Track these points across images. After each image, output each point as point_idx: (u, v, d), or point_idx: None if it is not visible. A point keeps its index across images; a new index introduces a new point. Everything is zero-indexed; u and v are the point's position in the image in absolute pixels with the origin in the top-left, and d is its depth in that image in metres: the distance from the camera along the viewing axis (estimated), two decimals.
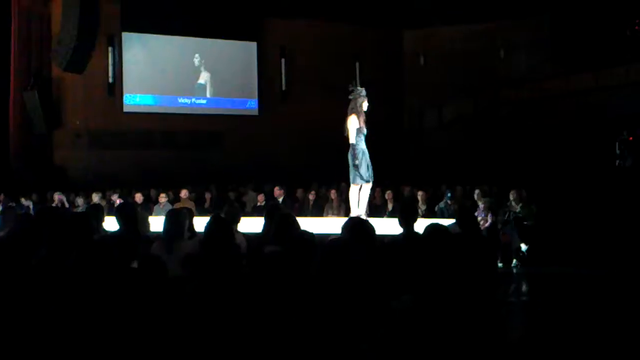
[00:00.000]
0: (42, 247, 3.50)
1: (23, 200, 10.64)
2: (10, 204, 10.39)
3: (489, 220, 8.47)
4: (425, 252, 3.55)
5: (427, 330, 2.59)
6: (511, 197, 9.03)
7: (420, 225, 4.41)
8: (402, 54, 16.31)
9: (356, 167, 6.93)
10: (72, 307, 2.59)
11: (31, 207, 10.27)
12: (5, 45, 13.39)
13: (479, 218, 7.99)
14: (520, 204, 8.89)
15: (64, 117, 13.75)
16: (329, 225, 7.10)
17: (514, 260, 8.47)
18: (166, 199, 10.32)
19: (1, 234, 4.48)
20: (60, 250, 3.27)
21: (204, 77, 14.70)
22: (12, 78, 13.48)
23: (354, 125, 6.91)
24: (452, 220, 5.54)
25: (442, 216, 8.42)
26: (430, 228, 3.73)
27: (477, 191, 9.50)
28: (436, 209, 9.21)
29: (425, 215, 8.36)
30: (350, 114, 6.99)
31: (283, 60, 15.20)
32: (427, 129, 15.67)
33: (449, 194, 9.47)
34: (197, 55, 14.55)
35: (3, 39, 13.37)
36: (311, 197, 10.53)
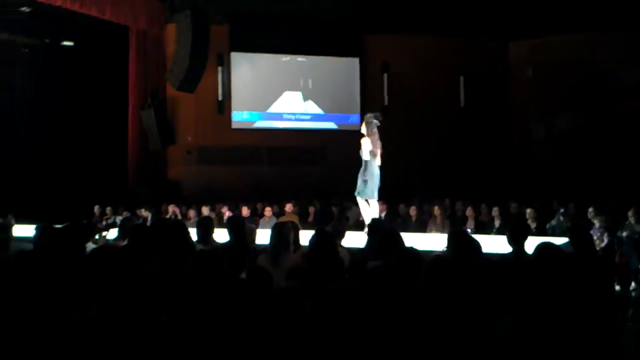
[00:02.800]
0: (156, 257, 3.69)
1: (142, 211, 11.30)
2: (127, 215, 11.09)
3: (605, 240, 7.99)
4: (536, 273, 3.40)
5: (530, 356, 2.47)
6: (630, 216, 8.47)
7: (531, 244, 4.24)
8: (509, 66, 15.82)
9: (365, 182, 7.66)
10: (183, 317, 2.69)
11: (149, 218, 10.88)
12: (124, 66, 14.32)
13: (594, 237, 7.55)
14: None
15: (177, 134, 14.46)
16: (432, 241, 6.99)
17: (633, 284, 7.92)
18: (271, 213, 10.61)
19: (121, 243, 4.78)
20: (173, 260, 3.42)
21: (307, 94, 14.98)
22: (130, 98, 14.35)
23: (366, 147, 7.67)
24: (565, 239, 5.27)
25: (554, 234, 8.04)
26: (542, 247, 3.56)
27: (591, 209, 9.00)
28: (547, 226, 8.81)
29: (535, 234, 8.01)
30: (362, 137, 7.77)
31: (385, 76, 15.20)
32: (537, 144, 15.05)
33: (561, 211, 9.03)
34: (299, 76, 14.85)
35: (122, 61, 14.32)
36: (412, 212, 10.40)
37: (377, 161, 7.76)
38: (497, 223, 9.33)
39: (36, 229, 4.22)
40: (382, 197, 10.69)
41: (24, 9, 12.85)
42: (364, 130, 7.84)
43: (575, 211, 9.63)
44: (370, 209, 7.88)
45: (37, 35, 13.95)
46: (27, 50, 13.91)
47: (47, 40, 14.19)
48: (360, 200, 7.97)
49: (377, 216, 7.82)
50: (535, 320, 2.49)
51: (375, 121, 7.81)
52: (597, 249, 7.21)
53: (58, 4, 11.70)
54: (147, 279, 3.21)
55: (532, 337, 2.49)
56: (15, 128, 13.81)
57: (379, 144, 7.77)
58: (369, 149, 7.66)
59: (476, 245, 3.53)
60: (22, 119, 14.01)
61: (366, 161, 7.68)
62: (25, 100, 14.07)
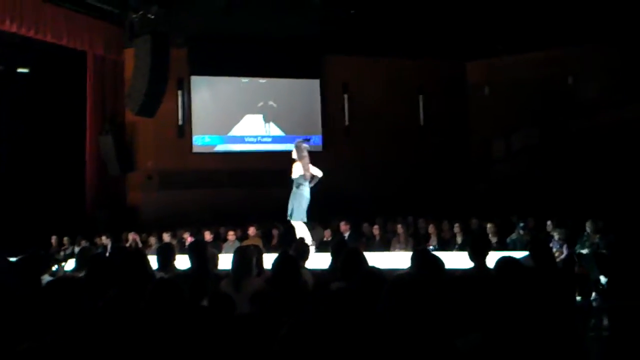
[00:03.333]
0: (115, 286, 3.61)
1: (102, 239, 11.07)
2: (85, 244, 10.84)
3: (565, 252, 8.15)
4: (498, 287, 3.44)
5: None
6: (588, 228, 8.68)
7: (492, 258, 4.29)
8: (466, 85, 16.16)
9: (295, 205, 8.10)
10: (143, 346, 2.63)
11: (109, 246, 10.66)
12: (81, 92, 14.10)
13: (554, 250, 7.70)
14: (598, 235, 8.52)
15: (136, 160, 14.26)
16: (396, 259, 7.01)
17: (593, 294, 8.08)
18: (235, 237, 10.52)
19: (80, 274, 4.66)
20: (132, 290, 3.35)
21: (268, 116, 14.98)
22: (88, 123, 14.12)
23: (296, 170, 8.14)
24: (525, 253, 5.36)
25: (515, 249, 8.16)
26: (502, 261, 3.61)
27: (549, 222, 9.19)
28: (508, 241, 8.95)
29: (495, 248, 8.12)
30: (294, 162, 8.21)
31: (346, 96, 15.33)
32: (495, 160, 15.35)
33: (521, 225, 9.18)
34: (260, 99, 14.86)
35: (80, 87, 14.10)
36: (375, 231, 10.45)
37: (307, 184, 8.15)
38: (459, 239, 9.43)
39: None
40: (345, 216, 10.79)
41: None
42: (295, 155, 8.20)
43: (535, 225, 9.81)
44: (301, 229, 8.21)
45: None
46: None
47: (1, 67, 13.90)
48: (295, 223, 8.26)
49: (304, 237, 7.94)
50: (502, 335, 2.51)
51: (305, 145, 8.28)
52: (557, 261, 7.35)
53: (13, 30, 11.49)
54: (105, 309, 3.13)
55: (500, 352, 2.51)
56: None
57: (309, 167, 8.16)
58: (300, 172, 8.06)
59: (438, 263, 3.56)
60: None
61: (298, 184, 8.06)
62: None
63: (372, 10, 12.77)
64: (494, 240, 8.71)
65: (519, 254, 5.21)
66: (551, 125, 14.55)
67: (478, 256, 4.47)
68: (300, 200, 8.09)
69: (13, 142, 13.96)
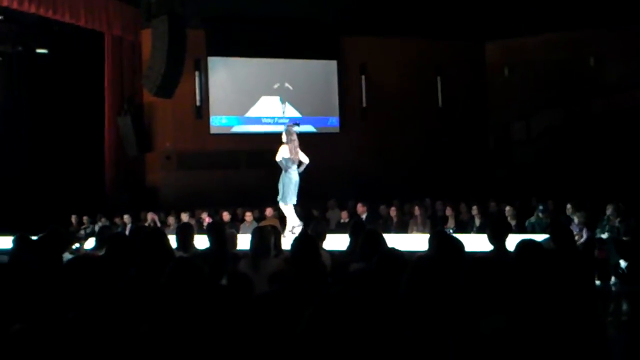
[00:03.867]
0: (134, 265, 3.63)
1: (123, 218, 11.17)
2: (105, 224, 10.96)
3: (585, 235, 8.07)
4: (518, 270, 3.40)
5: (520, 353, 2.47)
6: (608, 211, 8.57)
7: (511, 241, 4.25)
8: (485, 66, 15.96)
9: (284, 188, 8.20)
10: (163, 326, 2.63)
11: (128, 225, 10.77)
12: (99, 73, 14.16)
13: (574, 233, 7.62)
14: (619, 219, 8.41)
15: (154, 140, 14.32)
16: (414, 241, 7.00)
17: (613, 278, 8.00)
18: (252, 217, 10.55)
19: (99, 253, 4.70)
20: (152, 268, 3.36)
21: (284, 98, 14.93)
22: (106, 104, 14.19)
23: (281, 153, 8.19)
24: (545, 236, 5.30)
25: (534, 232, 8.10)
26: (523, 244, 3.57)
27: (569, 205, 9.09)
28: (527, 224, 8.87)
29: (515, 231, 8.06)
30: (282, 145, 8.25)
31: (363, 77, 15.22)
32: (514, 143, 15.19)
33: (540, 208, 9.09)
34: (277, 80, 14.81)
35: (98, 68, 14.16)
36: (392, 213, 10.42)
37: (295, 167, 8.26)
38: (477, 222, 9.37)
39: (13, 240, 4.13)
40: (362, 198, 10.76)
41: None
42: (284, 138, 8.30)
43: (554, 208, 9.72)
44: (289, 213, 8.36)
45: (10, 43, 13.73)
46: (1, 58, 13.69)
47: (20, 48, 13.97)
48: (283, 206, 8.37)
49: (296, 223, 8.30)
50: (525, 318, 2.49)
51: (295, 129, 8.39)
52: (577, 244, 7.28)
53: (32, 10, 11.53)
54: (126, 288, 3.15)
55: (523, 334, 2.49)
56: None
57: (297, 151, 8.24)
58: (283, 155, 8.16)
59: (458, 245, 3.52)
60: None
61: (285, 167, 8.18)
62: None
63: None
64: (512, 223, 8.64)
65: (538, 237, 5.16)
66: (572, 107, 14.35)
67: (498, 239, 4.43)
68: (288, 184, 8.20)
69: (33, 122, 14.09)
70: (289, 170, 8.20)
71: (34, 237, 4.10)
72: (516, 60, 15.32)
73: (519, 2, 13.08)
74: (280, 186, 8.28)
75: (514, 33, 14.79)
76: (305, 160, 8.42)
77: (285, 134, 8.33)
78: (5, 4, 11.10)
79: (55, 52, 14.34)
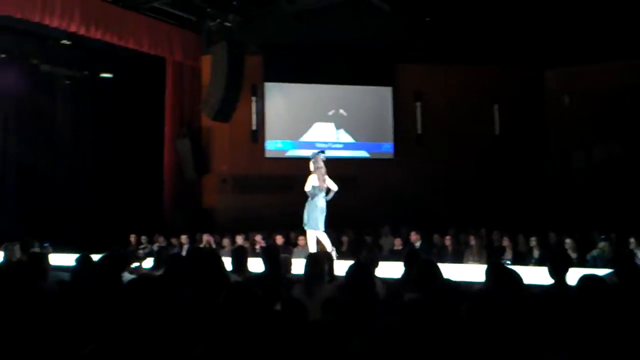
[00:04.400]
0: (190, 287, 3.67)
1: (181, 239, 11.39)
2: (163, 244, 11.19)
3: None
4: (581, 306, 3.28)
5: None
6: None
7: (572, 275, 4.11)
8: (544, 93, 15.64)
9: (309, 214, 8.33)
10: (217, 349, 2.65)
11: (186, 246, 10.98)
12: (160, 97, 14.60)
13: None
14: None
15: (211, 164, 14.61)
16: (469, 272, 6.85)
17: None
18: (305, 242, 10.55)
19: (157, 273, 4.80)
20: (207, 291, 3.40)
21: (340, 123, 15.01)
22: (166, 127, 14.60)
23: (310, 182, 8.37)
24: (608, 270, 5.10)
25: (595, 265, 7.81)
26: (586, 279, 3.44)
27: (632, 239, 8.74)
28: (588, 257, 8.57)
29: (575, 265, 7.80)
30: (311, 174, 8.45)
31: (418, 104, 15.17)
32: (574, 172, 14.76)
33: (602, 240, 8.77)
34: (332, 106, 14.91)
35: (159, 92, 14.60)
36: (447, 242, 10.27)
37: (322, 195, 8.39)
38: (536, 253, 9.11)
39: (76, 259, 4.26)
40: (416, 226, 10.64)
41: (64, 41, 13.25)
42: (311, 167, 8.46)
43: (617, 241, 9.36)
44: (319, 239, 8.50)
45: (77, 68, 14.34)
46: (68, 82, 14.30)
47: (86, 73, 14.57)
48: (308, 232, 8.51)
49: (328, 246, 8.41)
50: (589, 357, 2.39)
51: (321, 156, 8.52)
52: None
53: (97, 36, 12.01)
54: (182, 309, 3.19)
55: None
56: (55, 158, 14.14)
57: (325, 179, 8.38)
58: (313, 184, 8.32)
59: (517, 278, 3.42)
60: (61, 149, 14.35)
61: (312, 195, 8.32)
62: (65, 131, 14.42)
63: (446, 17, 12.59)
64: (573, 256, 8.36)
65: (600, 271, 4.97)
66: (633, 136, 13.88)
67: (558, 273, 4.29)
68: (314, 210, 8.32)
69: (96, 144, 14.60)
70: (316, 197, 8.35)
71: (95, 256, 4.21)
72: (576, 88, 14.96)
73: (580, 29, 12.79)
74: (305, 213, 8.42)
75: (574, 60, 14.46)
76: (334, 187, 8.51)
77: (313, 162, 8.48)
78: (72, 29, 11.60)
79: (119, 76, 14.88)
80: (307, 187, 8.37)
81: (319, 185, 8.33)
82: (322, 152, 8.69)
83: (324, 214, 8.38)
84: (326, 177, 8.40)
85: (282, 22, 12.81)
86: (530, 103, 15.35)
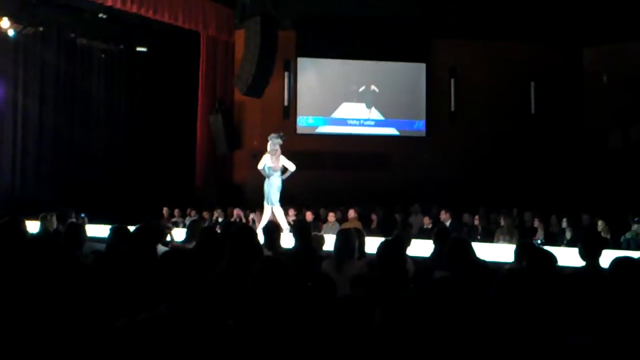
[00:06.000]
0: (224, 260, 3.73)
1: (213, 213, 11.56)
2: (195, 216, 11.35)
3: None
4: (613, 288, 3.24)
5: None
6: None
7: (605, 257, 4.06)
8: (583, 72, 15.26)
9: (267, 192, 9.11)
10: (249, 322, 2.70)
11: (219, 219, 11.13)
12: (194, 72, 14.69)
13: None
14: None
15: (243, 139, 14.68)
16: (499, 251, 6.81)
17: None
18: (334, 218, 10.61)
19: (189, 245, 4.87)
20: (241, 264, 3.45)
21: (371, 99, 14.91)
22: (199, 102, 14.71)
23: (263, 161, 9.14)
24: None
25: (629, 248, 7.68)
26: (619, 261, 3.40)
27: None
28: (622, 239, 8.43)
29: (609, 247, 7.68)
30: (265, 153, 9.18)
31: (453, 81, 14.96)
32: (610, 152, 14.45)
33: (637, 222, 8.60)
34: (364, 82, 14.80)
35: (193, 66, 14.69)
36: (476, 221, 10.19)
37: (278, 174, 9.11)
38: (568, 235, 8.99)
39: (110, 230, 4.35)
40: (446, 204, 10.56)
41: (100, 15, 13.39)
42: (268, 147, 9.14)
43: None
44: (274, 214, 9.17)
45: (113, 41, 14.50)
46: (104, 55, 14.47)
47: (121, 46, 14.72)
48: (266, 208, 9.25)
49: (283, 222, 8.91)
50: (616, 339, 2.37)
51: (278, 140, 9.12)
52: None
53: (133, 10, 12.10)
54: (215, 282, 3.25)
55: (611, 356, 2.37)
56: (90, 130, 14.41)
57: (280, 159, 9.10)
58: (265, 163, 9.07)
59: (551, 258, 3.39)
60: (97, 121, 14.61)
61: (269, 175, 9.09)
62: (100, 104, 14.66)
63: None
64: (606, 237, 8.24)
65: (634, 254, 4.90)
66: None
67: (591, 255, 4.23)
68: (270, 188, 9.06)
69: (131, 118, 14.81)
70: (272, 176, 9.07)
71: (130, 228, 4.30)
72: (615, 66, 14.55)
73: (620, 6, 12.39)
74: (265, 191, 9.17)
75: (613, 38, 14.05)
76: (291, 167, 9.22)
77: (269, 144, 9.13)
78: (109, 3, 11.71)
79: (154, 50, 15.00)
80: (260, 166, 9.16)
81: (272, 166, 9.03)
82: (281, 137, 9.26)
83: (279, 191, 9.13)
84: (281, 157, 9.11)
85: None
86: (568, 81, 15.01)
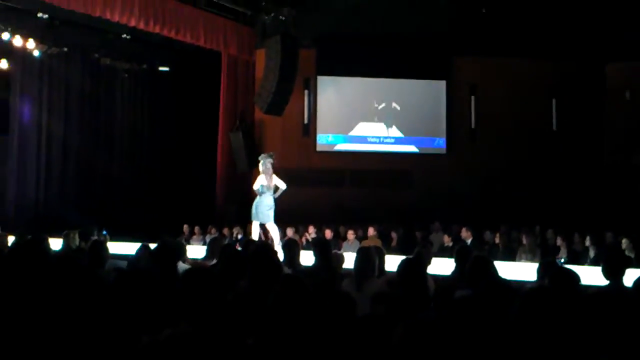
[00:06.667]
0: (244, 278, 3.74)
1: (233, 230, 11.62)
2: (215, 235, 11.41)
3: None
4: (637, 308, 3.19)
5: None
6: None
7: (629, 276, 4.00)
8: (605, 89, 15.11)
9: (257, 209, 9.35)
10: (269, 342, 2.70)
11: (239, 237, 11.18)
12: (215, 90, 14.85)
13: None
14: None
15: None
16: (520, 270, 6.74)
17: None
18: (354, 236, 10.60)
19: (209, 263, 4.90)
20: (261, 283, 3.46)
21: (392, 117, 14.92)
22: (220, 120, 14.83)
23: (258, 182, 9.39)
24: None
25: None
26: None
27: None
28: None
29: (633, 265, 7.54)
30: (260, 174, 9.42)
31: (473, 98, 14.91)
32: (634, 170, 14.25)
33: None
34: (384, 99, 14.84)
35: (214, 85, 14.86)
36: (497, 240, 10.10)
37: (270, 193, 9.35)
38: (592, 253, 8.86)
39: (137, 249, 4.40)
40: (467, 222, 10.49)
41: (124, 36, 13.63)
42: (260, 168, 9.41)
43: None
44: (267, 230, 9.51)
45: (136, 61, 14.73)
46: (127, 75, 14.70)
47: (144, 66, 14.95)
48: (254, 223, 9.52)
49: (255, 237, 9.29)
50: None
51: (269, 160, 9.44)
52: None
53: (156, 31, 12.29)
54: (236, 300, 3.26)
55: None
56: (113, 149, 14.61)
57: (272, 178, 9.35)
58: (261, 183, 9.31)
59: (574, 277, 3.35)
60: (119, 140, 14.83)
61: (260, 193, 9.31)
62: (123, 123, 14.87)
63: (503, 8, 12.32)
64: (630, 256, 8.09)
65: None
66: None
67: (614, 273, 4.18)
68: (261, 205, 9.31)
69: (153, 136, 14.99)
70: (263, 195, 9.33)
71: (151, 245, 4.34)
72: (638, 83, 14.40)
73: None
74: (253, 207, 9.42)
75: (637, 55, 13.91)
76: (282, 186, 9.44)
77: (261, 165, 9.39)
78: (132, 24, 11.92)
79: (176, 70, 15.21)
80: (256, 186, 9.42)
81: (267, 185, 9.28)
82: (271, 156, 9.57)
83: (272, 209, 9.38)
84: (274, 176, 9.38)
85: (336, 15, 12.81)
86: (590, 98, 14.85)
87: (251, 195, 14.81)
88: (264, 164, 9.39)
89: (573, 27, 13.01)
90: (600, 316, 3.10)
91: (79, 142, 13.96)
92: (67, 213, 12.65)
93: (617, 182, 14.17)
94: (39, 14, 12.44)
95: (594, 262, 8.12)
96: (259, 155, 14.50)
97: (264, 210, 9.33)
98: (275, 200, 9.45)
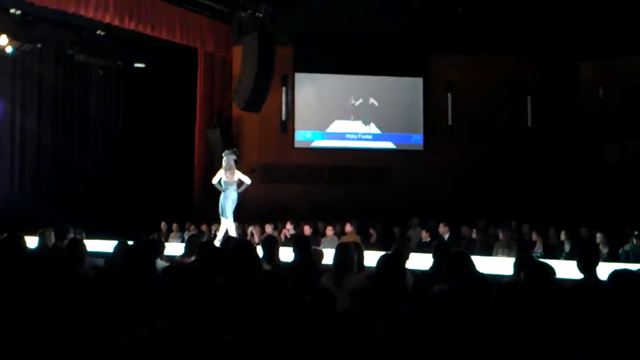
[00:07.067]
0: (223, 274, 3.74)
1: (211, 227, 11.57)
2: (194, 231, 11.36)
3: None
4: (612, 301, 3.26)
5: None
6: None
7: (602, 270, 4.08)
8: (579, 86, 15.35)
9: (222, 204, 9.47)
10: (248, 337, 2.71)
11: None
12: (192, 87, 14.76)
13: None
14: None
15: (241, 153, 14.69)
16: (497, 265, 6.83)
17: None
18: (333, 232, 10.63)
19: (188, 260, 4.89)
20: (240, 279, 3.46)
21: (369, 113, 14.98)
22: (197, 117, 14.75)
23: (217, 176, 9.58)
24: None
25: (627, 260, 7.70)
26: (618, 274, 3.41)
27: None
28: (620, 252, 8.45)
29: (606, 259, 7.70)
30: (220, 169, 9.61)
31: (450, 95, 15.04)
32: (608, 166, 14.51)
33: (636, 233, 8.62)
34: (362, 96, 14.90)
35: (191, 82, 14.76)
36: (474, 235, 10.21)
37: (234, 188, 9.50)
38: (567, 247, 9.00)
39: (115, 246, 4.36)
40: (444, 218, 10.59)
41: (99, 32, 13.45)
42: (223, 163, 9.59)
43: None
44: (227, 226, 9.59)
45: (111, 58, 14.56)
46: (102, 72, 14.54)
47: (119, 63, 14.79)
48: (223, 220, 9.61)
49: (232, 234, 9.39)
50: (618, 351, 2.38)
51: (232, 156, 9.61)
52: None
53: (131, 27, 12.17)
54: (215, 297, 3.25)
55: None
56: (88, 146, 14.44)
57: (234, 173, 9.52)
58: (220, 177, 9.49)
59: (549, 271, 3.40)
60: (94, 137, 14.65)
61: (225, 188, 9.45)
62: (98, 120, 14.70)
63: (479, 7, 12.41)
64: (604, 250, 8.26)
65: (632, 266, 4.92)
66: None
67: (588, 267, 4.25)
68: (226, 201, 9.44)
69: (129, 133, 14.84)
70: (227, 190, 9.43)
71: (131, 243, 4.31)
72: (612, 81, 14.65)
73: (617, 20, 12.49)
74: (220, 204, 9.50)
75: (610, 52, 14.15)
76: (247, 181, 9.66)
77: (224, 160, 9.56)
78: (107, 20, 11.78)
79: (152, 66, 15.07)
80: (214, 180, 9.59)
81: (227, 180, 9.42)
82: (234, 152, 9.77)
83: (235, 205, 9.50)
84: (237, 171, 9.55)
85: (313, 13, 12.78)
86: (564, 95, 15.09)
87: None
88: (227, 160, 9.54)
89: (547, 26, 13.16)
90: (575, 309, 3.16)
91: (54, 139, 13.77)
92: (41, 211, 12.47)
93: (592, 177, 14.42)
94: (12, 10, 12.23)
95: (569, 256, 8.25)
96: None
97: (229, 205, 9.48)
98: (239, 196, 9.60)
